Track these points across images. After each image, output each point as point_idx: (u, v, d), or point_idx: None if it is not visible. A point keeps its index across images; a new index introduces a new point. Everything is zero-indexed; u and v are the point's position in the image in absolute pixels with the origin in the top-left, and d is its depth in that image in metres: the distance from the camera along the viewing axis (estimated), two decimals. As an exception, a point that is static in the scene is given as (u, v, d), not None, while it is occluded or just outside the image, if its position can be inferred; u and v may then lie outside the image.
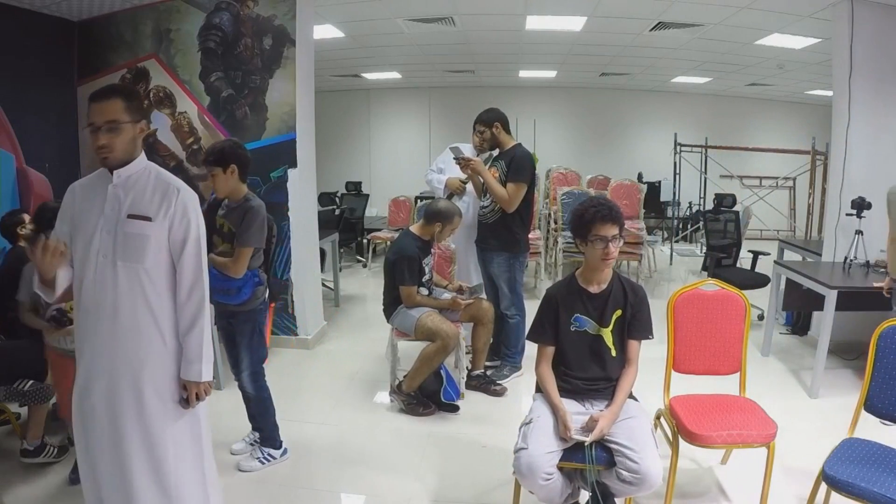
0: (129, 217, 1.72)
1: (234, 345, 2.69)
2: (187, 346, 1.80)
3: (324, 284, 5.13)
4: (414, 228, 3.45)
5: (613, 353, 2.18)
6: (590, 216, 2.09)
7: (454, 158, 3.67)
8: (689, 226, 9.44)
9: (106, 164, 1.73)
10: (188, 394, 1.80)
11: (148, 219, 1.73)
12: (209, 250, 2.64)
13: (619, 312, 2.18)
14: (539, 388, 2.28)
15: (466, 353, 3.56)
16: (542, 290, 2.39)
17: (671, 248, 8.19)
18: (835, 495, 2.02)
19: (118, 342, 1.74)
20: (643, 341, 2.23)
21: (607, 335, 2.18)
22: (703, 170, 8.95)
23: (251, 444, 2.85)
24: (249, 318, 2.64)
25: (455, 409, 3.32)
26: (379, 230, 7.37)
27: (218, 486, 2.03)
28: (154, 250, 1.74)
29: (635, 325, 2.19)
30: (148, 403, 1.76)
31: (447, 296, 3.49)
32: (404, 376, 3.34)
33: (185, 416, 1.83)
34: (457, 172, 3.78)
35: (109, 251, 1.72)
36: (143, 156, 1.80)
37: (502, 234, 3.60)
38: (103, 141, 1.67)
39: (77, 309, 1.79)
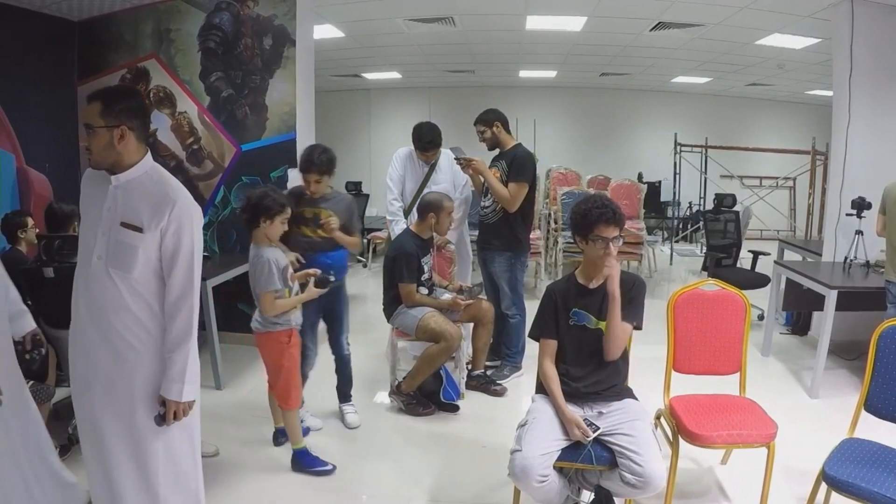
0: (122, 225, 1.68)
1: (336, 316, 3.07)
2: (171, 364, 1.72)
3: (324, 284, 5.11)
4: (412, 227, 3.45)
5: None
6: (593, 217, 2.09)
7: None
8: (689, 226, 9.44)
9: (90, 164, 1.73)
10: (166, 411, 1.73)
11: (139, 229, 1.67)
12: (296, 239, 2.87)
13: None
14: (538, 390, 2.28)
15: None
16: (541, 290, 2.39)
17: (671, 249, 8.20)
18: (835, 495, 2.02)
19: (109, 348, 1.71)
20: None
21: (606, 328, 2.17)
22: (703, 170, 8.95)
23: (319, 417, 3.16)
24: (343, 287, 3.11)
25: (455, 409, 3.32)
26: (379, 230, 7.36)
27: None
28: (143, 262, 1.69)
29: (628, 309, 2.15)
30: (138, 411, 1.73)
31: (447, 296, 3.48)
32: (404, 377, 3.34)
33: (178, 424, 1.78)
34: (417, 178, 3.82)
35: (104, 254, 1.69)
36: (146, 160, 1.74)
37: (504, 234, 3.60)
38: (85, 142, 1.68)
39: (74, 308, 1.77)
